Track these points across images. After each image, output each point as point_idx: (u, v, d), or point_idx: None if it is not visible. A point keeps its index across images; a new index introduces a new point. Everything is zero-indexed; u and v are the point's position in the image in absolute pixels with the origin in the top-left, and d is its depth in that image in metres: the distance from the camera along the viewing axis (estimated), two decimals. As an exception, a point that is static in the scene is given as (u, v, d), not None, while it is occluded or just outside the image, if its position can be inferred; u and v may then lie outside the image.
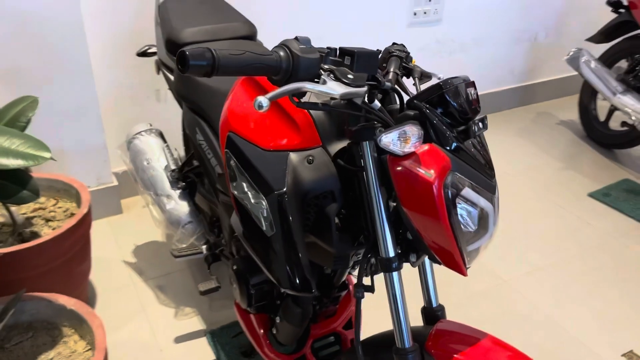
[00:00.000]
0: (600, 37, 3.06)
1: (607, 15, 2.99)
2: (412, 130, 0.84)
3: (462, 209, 0.87)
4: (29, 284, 1.55)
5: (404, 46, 1.17)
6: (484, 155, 0.94)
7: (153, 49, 2.00)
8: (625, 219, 2.47)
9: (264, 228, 1.05)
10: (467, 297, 2.01)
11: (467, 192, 0.87)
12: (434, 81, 1.00)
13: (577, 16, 3.49)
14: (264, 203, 1.03)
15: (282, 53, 0.80)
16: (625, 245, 2.30)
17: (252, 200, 1.07)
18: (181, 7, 1.82)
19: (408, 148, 0.84)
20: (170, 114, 2.47)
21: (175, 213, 1.76)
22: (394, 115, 0.95)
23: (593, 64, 2.92)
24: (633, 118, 2.71)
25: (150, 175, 1.81)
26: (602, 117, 3.10)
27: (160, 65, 1.85)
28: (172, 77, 1.76)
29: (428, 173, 0.85)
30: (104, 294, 1.99)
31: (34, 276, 1.60)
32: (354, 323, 1.01)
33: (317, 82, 0.82)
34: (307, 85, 0.79)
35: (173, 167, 1.81)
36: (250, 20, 1.81)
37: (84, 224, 1.72)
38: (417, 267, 1.09)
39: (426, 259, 1.06)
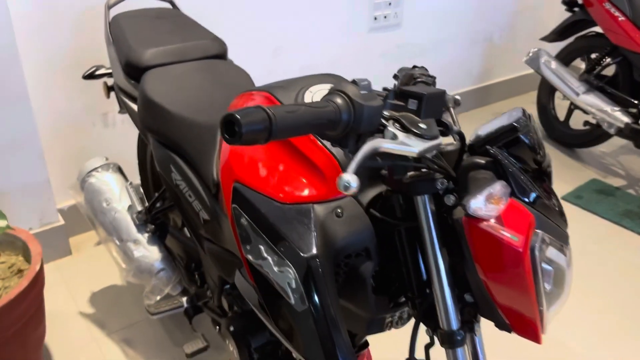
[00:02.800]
0: (555, 35, 3.05)
1: (557, 14, 2.98)
2: (502, 191, 0.69)
3: (546, 269, 0.72)
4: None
5: (426, 69, 1.02)
6: (556, 202, 0.80)
7: (102, 70, 1.74)
8: (602, 222, 2.45)
9: (293, 302, 0.86)
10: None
11: (551, 251, 0.73)
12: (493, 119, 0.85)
13: (528, 15, 3.48)
14: (291, 272, 0.84)
15: (339, 101, 0.63)
16: (608, 250, 2.27)
17: (275, 268, 0.87)
18: (136, 23, 1.59)
19: (495, 212, 0.69)
20: (121, 141, 2.21)
21: (146, 261, 1.53)
22: (449, 158, 0.79)
23: (553, 65, 2.89)
24: (598, 117, 2.70)
25: (112, 218, 1.57)
26: (561, 116, 3.10)
27: (117, 90, 1.60)
28: (132, 105, 1.53)
29: (514, 237, 0.70)
30: (63, 356, 1.72)
31: None
32: None
33: (382, 135, 0.65)
34: (385, 145, 0.62)
35: (139, 207, 1.58)
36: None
37: (37, 283, 1.46)
38: None
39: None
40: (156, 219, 1.57)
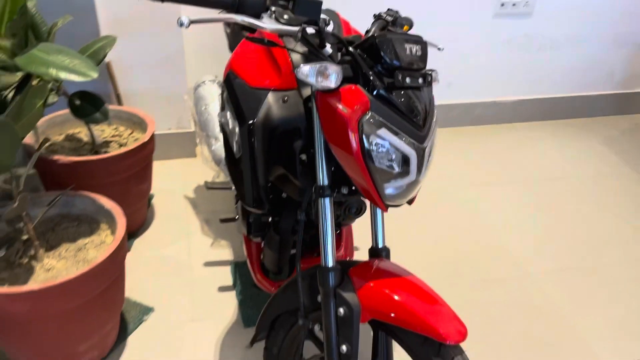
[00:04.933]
0: None
1: None
2: (332, 68, 0.97)
3: (378, 147, 0.98)
4: (94, 191, 1.88)
5: (397, 12, 1.29)
6: (421, 108, 1.03)
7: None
8: (688, 240, 2.31)
9: (234, 150, 1.24)
10: (483, 281, 2.04)
11: (383, 132, 0.98)
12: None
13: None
14: (237, 130, 1.22)
15: None
16: (677, 264, 2.16)
17: (230, 127, 1.26)
18: None
19: (326, 83, 0.97)
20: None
21: (218, 153, 2.00)
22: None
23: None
24: None
25: (205, 118, 2.07)
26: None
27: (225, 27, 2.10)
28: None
29: (345, 109, 0.97)
30: (161, 217, 2.31)
31: (99, 184, 1.93)
32: (297, 245, 1.17)
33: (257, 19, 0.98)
34: (237, 17, 0.96)
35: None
36: None
37: (146, 149, 2.03)
38: (369, 211, 1.22)
39: None
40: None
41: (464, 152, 2.95)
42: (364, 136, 0.97)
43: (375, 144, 0.98)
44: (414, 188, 1.08)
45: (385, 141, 0.99)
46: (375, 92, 1.00)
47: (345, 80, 1.00)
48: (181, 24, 0.89)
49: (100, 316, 1.53)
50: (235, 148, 1.24)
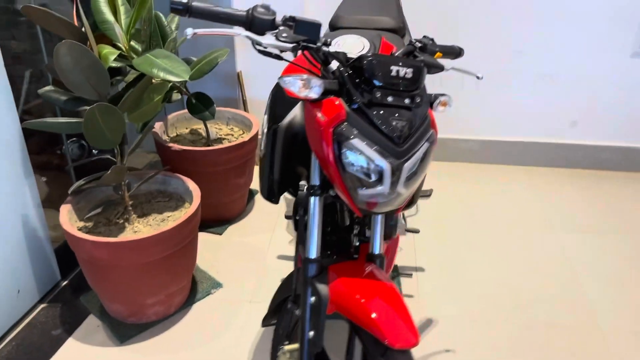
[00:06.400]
0: None
1: None
2: (315, 81, 1.11)
3: (351, 155, 1.09)
4: (197, 177, 2.22)
5: (431, 40, 1.38)
6: (403, 126, 1.12)
7: None
8: None
9: (262, 149, 1.43)
10: (549, 325, 1.95)
11: (356, 142, 1.09)
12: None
13: None
14: (266, 132, 1.41)
15: (249, 12, 1.17)
16: None
17: (263, 129, 1.46)
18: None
19: (306, 93, 1.11)
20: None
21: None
22: None
23: None
24: None
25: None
26: None
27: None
28: None
29: (323, 118, 1.11)
30: (257, 210, 2.60)
31: (201, 172, 2.28)
32: (297, 238, 1.32)
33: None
34: (240, 33, 1.14)
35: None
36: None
37: (245, 147, 2.33)
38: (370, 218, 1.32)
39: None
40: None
41: (578, 196, 2.77)
42: (337, 144, 1.10)
43: (348, 152, 1.10)
44: (395, 200, 1.16)
45: (358, 151, 1.10)
46: (355, 106, 1.11)
47: (331, 93, 1.14)
48: (186, 35, 1.11)
49: (165, 278, 1.83)
50: (262, 145, 1.44)
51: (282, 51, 1.16)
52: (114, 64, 1.87)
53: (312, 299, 1.21)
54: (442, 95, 1.26)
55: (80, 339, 1.86)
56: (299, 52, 1.15)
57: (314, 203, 1.24)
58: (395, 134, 1.11)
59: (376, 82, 1.12)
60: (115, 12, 1.78)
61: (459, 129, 2.99)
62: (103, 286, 1.81)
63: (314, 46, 1.17)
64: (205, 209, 2.40)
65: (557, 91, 2.84)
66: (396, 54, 1.32)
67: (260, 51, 1.17)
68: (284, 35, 1.15)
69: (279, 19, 1.18)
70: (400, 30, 2.07)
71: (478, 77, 1.45)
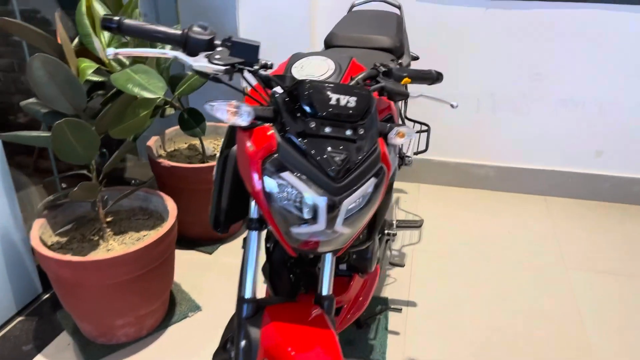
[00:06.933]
0: None
1: None
2: (244, 107, 1.01)
3: (280, 189, 0.99)
4: (184, 194, 2.16)
5: (398, 64, 1.27)
6: (342, 159, 1.01)
7: None
8: None
9: (214, 173, 1.35)
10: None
11: (287, 175, 0.99)
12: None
13: None
14: (218, 155, 1.33)
15: (185, 31, 1.09)
16: None
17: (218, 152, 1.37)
18: (356, 17, 2.14)
19: (234, 120, 1.02)
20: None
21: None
22: None
23: None
24: None
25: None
26: None
27: None
28: None
29: (252, 147, 1.01)
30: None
31: (188, 189, 2.22)
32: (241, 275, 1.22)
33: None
34: (169, 53, 1.06)
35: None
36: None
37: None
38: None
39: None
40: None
41: (600, 232, 2.56)
42: (266, 176, 1.00)
43: (277, 186, 1.00)
44: (336, 239, 1.05)
45: (288, 185, 1.00)
46: (287, 136, 1.01)
47: (267, 120, 1.05)
48: (108, 55, 1.04)
49: (134, 299, 1.77)
50: (214, 172, 1.36)
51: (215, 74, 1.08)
52: (94, 78, 1.84)
53: (243, 342, 1.12)
54: (400, 125, 1.15)
55: (48, 356, 1.82)
56: (238, 74, 1.07)
57: (251, 238, 1.15)
58: (331, 168, 1.01)
59: (311, 111, 1.02)
60: (93, 24, 1.75)
61: (474, 153, 2.83)
62: (71, 305, 1.77)
63: (251, 69, 1.08)
64: (196, 227, 2.34)
65: (581, 117, 2.64)
66: (356, 79, 1.22)
67: (195, 72, 1.10)
68: (217, 57, 1.07)
69: (219, 39, 1.10)
70: (396, 49, 1.96)
71: (452, 106, 1.32)
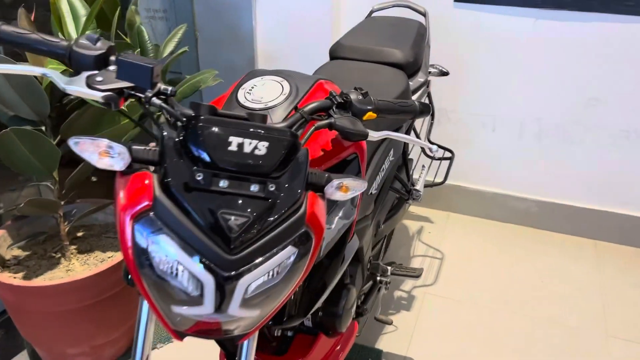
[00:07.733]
0: None
1: None
2: (117, 148, 0.78)
3: (156, 257, 0.76)
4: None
5: (362, 93, 1.00)
6: (241, 224, 0.76)
7: None
8: None
9: None
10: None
11: (164, 239, 0.75)
12: None
13: None
14: None
15: (71, 44, 0.87)
16: None
17: None
18: (371, 24, 1.86)
19: (106, 162, 0.78)
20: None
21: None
22: None
23: None
24: None
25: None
26: None
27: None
28: None
29: (124, 199, 0.78)
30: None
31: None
32: None
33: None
34: (37, 70, 0.84)
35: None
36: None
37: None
38: None
39: None
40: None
41: (620, 288, 2.15)
42: (138, 238, 0.77)
43: (153, 252, 0.76)
44: (236, 323, 0.81)
45: (165, 253, 0.76)
46: (176, 189, 0.78)
47: (150, 164, 0.81)
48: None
49: (88, 328, 1.60)
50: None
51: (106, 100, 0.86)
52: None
53: None
54: (346, 177, 0.88)
55: (1, 378, 1.69)
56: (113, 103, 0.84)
57: (142, 303, 0.92)
58: (226, 235, 0.76)
59: (203, 158, 0.78)
60: (60, 23, 1.58)
61: (514, 183, 2.47)
62: (21, 327, 1.63)
63: (141, 95, 0.85)
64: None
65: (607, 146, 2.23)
66: (301, 110, 0.96)
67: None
68: (99, 79, 0.85)
69: (113, 55, 0.88)
70: (408, 65, 1.68)
71: (430, 153, 1.04)
